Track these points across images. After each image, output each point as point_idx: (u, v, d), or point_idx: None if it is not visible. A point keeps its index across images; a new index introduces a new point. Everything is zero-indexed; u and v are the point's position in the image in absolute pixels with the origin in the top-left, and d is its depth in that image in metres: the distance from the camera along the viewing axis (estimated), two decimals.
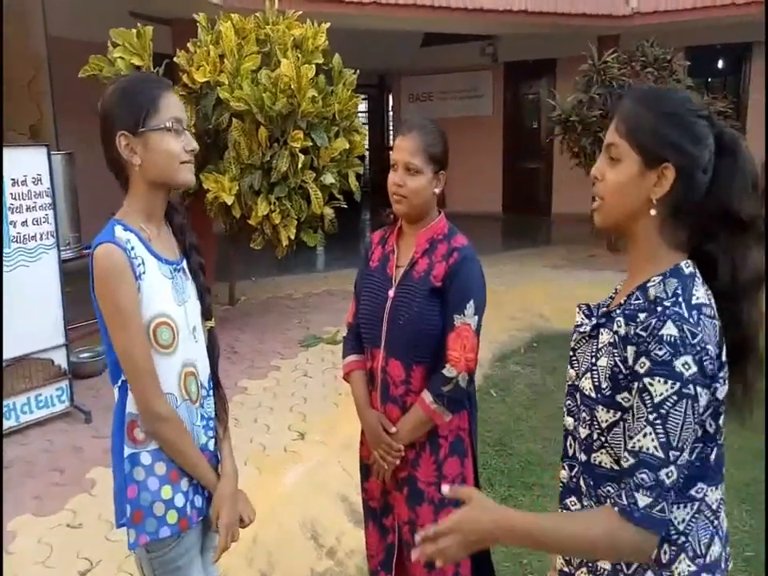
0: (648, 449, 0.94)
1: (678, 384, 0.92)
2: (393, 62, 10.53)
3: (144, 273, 1.26)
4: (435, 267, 1.66)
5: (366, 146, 5.53)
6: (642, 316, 1.00)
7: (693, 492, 1.03)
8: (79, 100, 5.02)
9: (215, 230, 5.85)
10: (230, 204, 4.33)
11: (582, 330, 1.14)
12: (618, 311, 1.06)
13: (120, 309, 1.23)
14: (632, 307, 1.03)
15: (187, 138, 1.31)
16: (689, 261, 1.04)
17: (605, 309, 1.14)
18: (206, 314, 1.40)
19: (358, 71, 4.74)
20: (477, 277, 1.67)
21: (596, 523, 0.97)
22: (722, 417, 1.04)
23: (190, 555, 1.36)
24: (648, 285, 1.03)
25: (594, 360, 1.08)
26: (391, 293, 1.70)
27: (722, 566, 1.09)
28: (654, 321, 0.96)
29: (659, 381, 0.93)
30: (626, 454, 0.97)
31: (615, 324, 1.04)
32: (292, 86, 4.16)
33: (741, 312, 1.03)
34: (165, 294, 1.30)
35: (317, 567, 2.46)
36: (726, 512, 3.08)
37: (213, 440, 1.40)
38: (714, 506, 1.05)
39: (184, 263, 1.38)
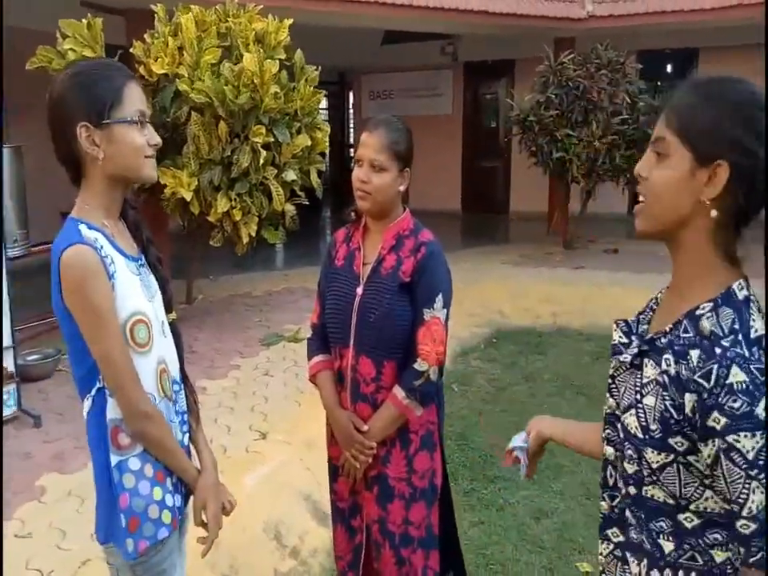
0: (762, 503, 0.88)
1: (766, 432, 0.86)
2: (353, 60, 10.50)
3: (116, 272, 1.21)
4: (404, 263, 1.66)
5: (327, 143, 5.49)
6: (694, 355, 0.91)
7: None
8: (26, 93, 4.81)
9: (170, 227, 5.71)
10: (188, 200, 4.22)
11: (622, 358, 1.04)
12: (664, 341, 0.97)
13: (98, 312, 1.17)
14: (681, 342, 0.94)
15: (150, 131, 1.27)
16: (742, 282, 0.94)
17: (645, 326, 1.06)
18: (167, 307, 1.37)
19: (319, 68, 4.70)
20: (444, 271, 1.69)
21: None
22: None
23: (173, 558, 1.33)
24: (698, 313, 0.94)
25: (638, 396, 0.99)
26: (359, 290, 1.69)
27: None
28: (715, 367, 0.89)
29: (746, 436, 0.86)
30: (743, 521, 0.90)
31: (664, 361, 0.95)
32: (255, 81, 4.10)
33: None
34: (136, 291, 1.25)
35: (280, 567, 2.43)
36: None
37: (187, 434, 1.39)
38: None
39: (142, 258, 1.34)
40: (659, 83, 9.77)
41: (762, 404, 0.85)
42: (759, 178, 0.93)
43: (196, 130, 4.19)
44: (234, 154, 4.25)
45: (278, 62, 4.24)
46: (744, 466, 0.87)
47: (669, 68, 9.98)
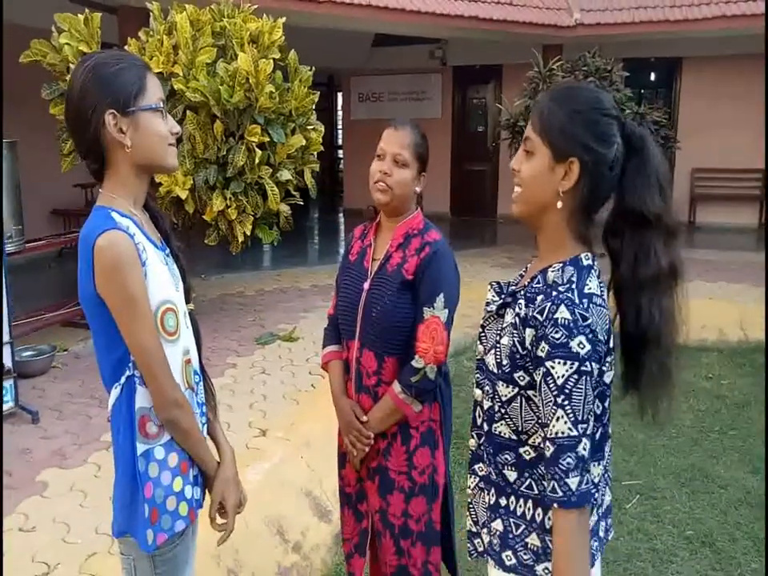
0: (563, 432, 1.01)
1: (576, 363, 1.00)
2: (343, 62, 10.52)
3: (147, 259, 1.21)
4: (408, 261, 1.70)
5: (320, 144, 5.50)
6: (539, 299, 1.07)
7: None
8: (16, 87, 4.77)
9: None
10: (183, 199, 4.23)
11: (489, 309, 1.21)
12: (521, 292, 1.14)
13: (134, 299, 1.16)
14: (533, 290, 1.11)
15: (170, 120, 1.27)
16: (589, 254, 1.11)
17: (513, 287, 1.22)
18: (186, 297, 1.38)
19: (313, 68, 4.73)
20: (448, 271, 1.71)
21: (566, 547, 1.03)
22: (608, 400, 1.12)
23: (189, 552, 1.33)
24: (548, 270, 1.11)
25: (498, 338, 1.15)
26: (366, 285, 1.74)
27: (601, 534, 1.19)
28: (548, 305, 1.04)
29: (559, 362, 1.01)
30: (546, 443, 1.03)
31: (517, 306, 1.12)
32: (250, 80, 4.12)
33: (640, 306, 1.08)
34: (165, 280, 1.26)
35: (283, 562, 2.45)
36: (669, 495, 3.26)
37: (205, 426, 1.40)
38: (596, 480, 1.13)
39: (166, 248, 1.35)
40: (643, 91, 9.96)
41: (578, 339, 1.00)
42: (602, 174, 1.08)
43: (191, 129, 4.19)
44: (229, 154, 4.26)
45: (272, 61, 4.26)
46: (554, 390, 1.01)
47: (653, 76, 10.17)
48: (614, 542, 2.60)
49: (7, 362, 3.23)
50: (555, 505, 1.03)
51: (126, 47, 4.35)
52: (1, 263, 2.94)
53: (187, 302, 1.38)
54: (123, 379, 1.23)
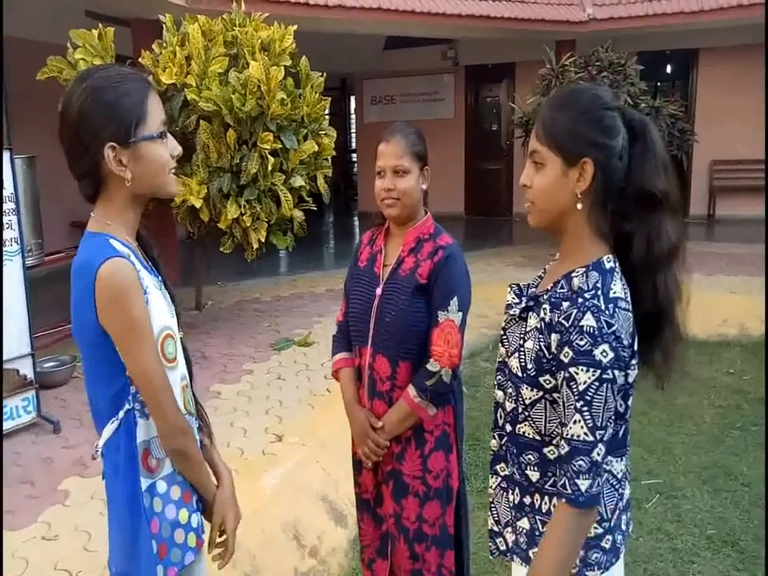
0: (579, 436, 1.03)
1: (599, 371, 1.02)
2: (355, 65, 10.56)
3: (147, 286, 1.19)
4: (421, 265, 1.71)
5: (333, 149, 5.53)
6: (565, 305, 1.08)
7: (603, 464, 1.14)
8: (33, 102, 4.88)
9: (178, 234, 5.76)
10: (198, 207, 4.28)
11: (512, 312, 1.22)
12: (545, 296, 1.15)
13: (138, 327, 1.13)
14: (557, 295, 1.12)
15: (172, 142, 1.23)
16: (610, 256, 1.12)
17: (533, 290, 1.23)
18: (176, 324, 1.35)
19: (324, 75, 4.76)
20: (461, 275, 1.73)
21: (559, 538, 1.07)
22: (631, 398, 1.14)
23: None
24: (572, 275, 1.12)
25: (522, 341, 1.16)
26: (378, 291, 1.75)
27: (623, 527, 1.21)
28: (574, 311, 1.05)
29: (582, 369, 1.02)
30: (562, 442, 1.06)
31: (542, 310, 1.13)
32: (261, 88, 4.15)
33: (656, 284, 1.12)
34: (163, 307, 1.24)
35: (300, 567, 2.47)
36: (689, 494, 3.20)
37: (201, 450, 1.36)
38: (619, 476, 1.17)
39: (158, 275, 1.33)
40: (659, 84, 9.83)
41: (602, 348, 1.02)
42: (614, 166, 1.10)
43: (205, 138, 4.24)
44: (242, 161, 4.30)
45: (283, 68, 4.29)
46: (576, 395, 1.03)
47: (669, 69, 10.03)
48: (634, 543, 2.57)
49: (29, 372, 3.30)
50: (563, 499, 1.06)
51: (139, 60, 4.42)
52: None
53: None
54: (122, 414, 1.18)
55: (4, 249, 3.17)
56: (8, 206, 3.19)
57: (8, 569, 2.24)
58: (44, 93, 4.76)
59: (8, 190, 3.19)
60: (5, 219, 3.17)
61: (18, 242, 3.24)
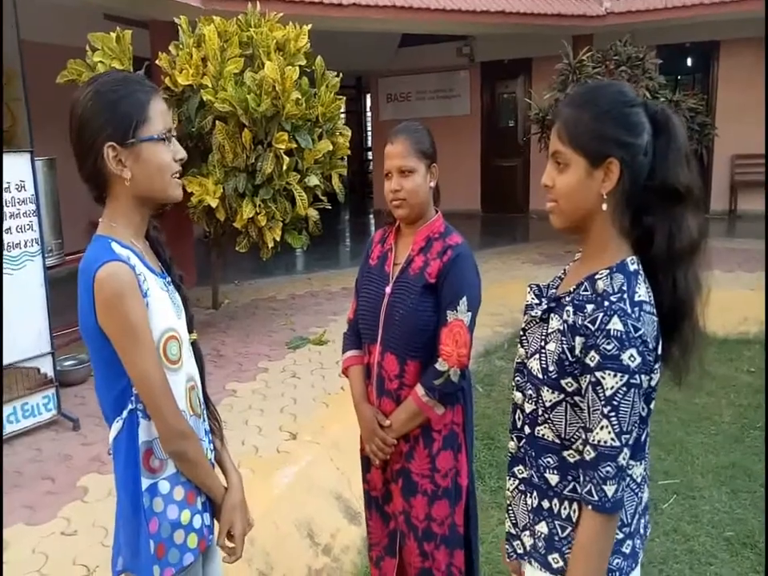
0: (606, 441, 1.02)
1: (626, 376, 1.00)
2: (370, 63, 10.56)
3: (149, 289, 1.19)
4: (430, 264, 1.71)
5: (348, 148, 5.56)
6: (589, 308, 1.06)
7: None
8: (54, 105, 4.96)
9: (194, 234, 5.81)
10: (214, 207, 4.32)
11: (533, 313, 1.20)
12: (567, 299, 1.12)
13: (135, 330, 1.14)
14: (581, 298, 1.10)
15: (176, 146, 1.24)
16: (634, 257, 1.10)
17: (554, 291, 1.21)
18: (189, 327, 1.35)
19: (340, 74, 4.76)
20: (470, 274, 1.72)
21: (590, 547, 1.06)
22: (653, 402, 1.13)
23: None
24: (596, 277, 1.09)
25: (543, 343, 1.14)
26: (388, 289, 1.76)
27: (642, 531, 1.19)
28: (601, 315, 1.03)
29: (609, 374, 1.01)
30: (587, 447, 1.05)
31: (565, 312, 1.11)
32: (276, 88, 4.18)
33: (676, 279, 1.10)
34: (167, 309, 1.24)
35: (314, 564, 2.49)
36: (707, 495, 3.16)
37: (213, 453, 1.38)
38: (639, 480, 1.14)
39: (167, 277, 1.33)
40: (679, 77, 9.67)
41: (630, 352, 1.00)
42: (640, 163, 1.07)
43: (221, 138, 4.28)
44: (257, 161, 4.33)
45: (298, 68, 4.31)
46: (602, 400, 1.02)
47: (689, 62, 9.87)
48: (650, 544, 2.54)
49: (49, 371, 3.37)
50: (589, 507, 1.05)
51: (157, 62, 4.47)
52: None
53: (190, 331, 1.35)
54: (125, 413, 1.20)
55: (24, 250, 3.24)
56: (29, 207, 3.26)
57: (28, 563, 2.29)
58: (64, 96, 4.84)
59: (29, 191, 3.26)
60: (25, 221, 3.24)
61: (39, 242, 3.30)
